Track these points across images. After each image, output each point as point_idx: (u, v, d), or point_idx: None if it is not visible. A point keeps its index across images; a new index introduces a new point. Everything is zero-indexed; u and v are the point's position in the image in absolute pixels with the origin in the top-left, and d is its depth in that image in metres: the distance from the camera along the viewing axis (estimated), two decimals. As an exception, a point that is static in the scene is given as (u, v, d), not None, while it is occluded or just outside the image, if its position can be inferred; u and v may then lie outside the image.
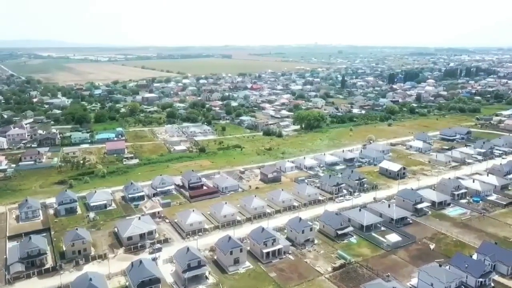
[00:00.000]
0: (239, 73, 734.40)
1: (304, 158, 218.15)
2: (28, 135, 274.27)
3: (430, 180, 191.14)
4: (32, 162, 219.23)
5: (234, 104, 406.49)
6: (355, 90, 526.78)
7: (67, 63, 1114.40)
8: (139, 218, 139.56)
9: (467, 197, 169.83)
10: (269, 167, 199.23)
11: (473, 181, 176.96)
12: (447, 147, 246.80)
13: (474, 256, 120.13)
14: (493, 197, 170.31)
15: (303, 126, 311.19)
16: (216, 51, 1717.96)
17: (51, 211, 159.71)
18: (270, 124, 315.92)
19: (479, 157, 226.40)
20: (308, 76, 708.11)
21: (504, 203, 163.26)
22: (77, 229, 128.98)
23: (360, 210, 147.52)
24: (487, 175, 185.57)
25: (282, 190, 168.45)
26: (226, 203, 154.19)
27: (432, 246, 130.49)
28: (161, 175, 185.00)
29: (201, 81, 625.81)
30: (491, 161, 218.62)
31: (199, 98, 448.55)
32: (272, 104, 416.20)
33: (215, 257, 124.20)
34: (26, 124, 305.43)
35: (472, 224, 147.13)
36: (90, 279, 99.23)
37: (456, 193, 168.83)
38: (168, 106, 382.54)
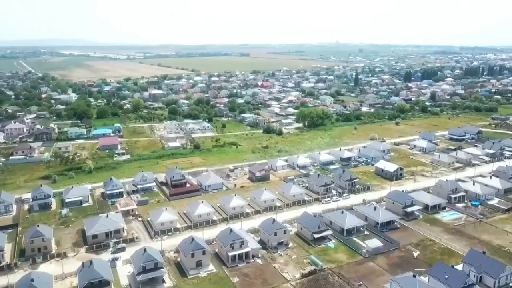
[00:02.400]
0: (252, 70, 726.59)
1: (298, 156, 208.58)
2: (26, 130, 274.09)
3: (429, 181, 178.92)
4: (23, 157, 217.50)
5: (240, 101, 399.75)
6: (368, 88, 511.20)
7: (86, 60, 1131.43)
8: (107, 216, 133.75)
9: (466, 201, 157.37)
10: (257, 166, 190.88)
11: (473, 184, 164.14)
12: (453, 147, 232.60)
13: (460, 266, 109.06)
14: (494, 201, 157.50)
15: (306, 124, 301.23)
16: (235, 50, 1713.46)
17: (27, 206, 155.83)
18: (272, 121, 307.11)
19: (487, 158, 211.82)
20: (323, 74, 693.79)
21: (505, 208, 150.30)
22: (38, 225, 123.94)
23: (342, 212, 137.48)
24: (490, 178, 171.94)
25: (265, 189, 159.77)
26: (202, 202, 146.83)
27: (415, 254, 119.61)
28: (142, 171, 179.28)
29: (213, 78, 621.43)
30: (500, 162, 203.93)
31: (206, 95, 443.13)
32: (279, 102, 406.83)
33: (179, 259, 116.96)
34: (27, 119, 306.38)
35: (465, 230, 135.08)
36: (32, 280, 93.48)
37: (453, 196, 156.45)
38: (172, 102, 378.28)
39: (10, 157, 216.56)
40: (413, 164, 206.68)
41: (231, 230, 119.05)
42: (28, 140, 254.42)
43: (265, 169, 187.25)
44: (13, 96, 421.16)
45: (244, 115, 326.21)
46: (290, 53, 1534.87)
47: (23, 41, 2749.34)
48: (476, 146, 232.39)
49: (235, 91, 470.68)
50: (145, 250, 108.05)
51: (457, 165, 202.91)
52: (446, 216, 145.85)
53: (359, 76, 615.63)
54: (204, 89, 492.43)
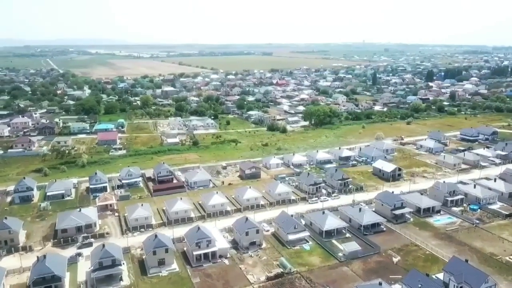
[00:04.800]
0: (271, 69, 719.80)
1: (293, 154, 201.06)
2: (32, 124, 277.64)
3: (428, 183, 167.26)
4: (21, 150, 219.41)
5: (251, 99, 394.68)
6: (385, 87, 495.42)
7: (111, 59, 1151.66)
8: (80, 210, 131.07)
9: (464, 204, 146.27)
10: (248, 163, 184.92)
11: (475, 187, 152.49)
12: (462, 148, 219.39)
13: (440, 275, 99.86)
14: (496, 206, 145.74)
15: (313, 122, 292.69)
16: (258, 49, 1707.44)
17: (9, 199, 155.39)
18: (278, 119, 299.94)
19: (497, 160, 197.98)
20: (343, 73, 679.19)
21: (506, 213, 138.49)
22: (6, 218, 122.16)
23: (323, 213, 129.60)
24: (494, 180, 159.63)
25: (250, 187, 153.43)
26: (181, 198, 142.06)
27: (395, 259, 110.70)
28: (128, 166, 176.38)
29: (229, 76, 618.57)
30: (511, 165, 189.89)
31: (218, 92, 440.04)
32: (290, 100, 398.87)
33: (144, 257, 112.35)
34: (36, 114, 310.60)
35: (457, 236, 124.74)
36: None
37: (450, 199, 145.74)
38: (182, 99, 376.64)
39: (9, 150, 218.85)
40: (415, 165, 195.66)
41: (198, 228, 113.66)
42: (32, 134, 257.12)
43: (256, 167, 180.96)
44: (29, 92, 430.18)
45: (250, 112, 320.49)
46: (314, 52, 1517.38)
47: (54, 40, 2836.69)
48: (488, 147, 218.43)
49: (248, 89, 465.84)
50: (103, 246, 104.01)
51: (464, 166, 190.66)
52: (439, 220, 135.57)
53: (379, 75, 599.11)
54: (218, 87, 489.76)
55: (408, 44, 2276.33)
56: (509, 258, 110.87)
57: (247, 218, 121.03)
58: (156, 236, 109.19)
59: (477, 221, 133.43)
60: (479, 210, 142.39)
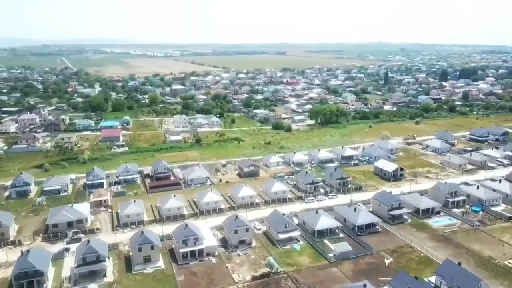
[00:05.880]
0: (282, 68, 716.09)
1: (294, 153, 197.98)
2: (39, 121, 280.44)
3: (431, 183, 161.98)
4: (25, 146, 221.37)
5: (259, 97, 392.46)
6: (397, 86, 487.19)
7: (125, 58, 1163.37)
8: (72, 206, 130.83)
9: (466, 206, 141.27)
10: (246, 161, 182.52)
11: (478, 188, 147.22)
12: (470, 148, 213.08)
13: (432, 278, 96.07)
14: (499, 208, 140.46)
15: (319, 120, 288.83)
16: (272, 49, 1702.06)
17: (7, 193, 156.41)
18: (284, 118, 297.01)
19: (505, 161, 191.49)
20: (355, 72, 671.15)
21: (509, 215, 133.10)
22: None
23: (316, 212, 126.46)
24: (499, 182, 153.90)
25: (245, 185, 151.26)
26: (174, 195, 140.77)
27: (387, 261, 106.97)
28: (126, 163, 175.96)
29: (240, 75, 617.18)
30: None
31: (227, 91, 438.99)
32: (299, 99, 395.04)
33: (131, 253, 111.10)
34: (45, 111, 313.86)
35: (455, 238, 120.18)
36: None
37: (451, 200, 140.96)
38: (189, 98, 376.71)
39: (13, 146, 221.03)
40: (420, 165, 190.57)
41: (186, 225, 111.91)
42: (38, 130, 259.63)
43: (254, 165, 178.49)
44: (41, 90, 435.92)
45: (256, 111, 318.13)
46: (328, 52, 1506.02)
47: (71, 39, 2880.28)
48: (497, 148, 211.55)
49: (258, 88, 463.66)
50: (88, 241, 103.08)
51: (470, 167, 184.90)
52: (438, 221, 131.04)
53: (392, 75, 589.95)
54: (227, 86, 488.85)
55: (424, 44, 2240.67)
56: (508, 262, 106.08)
57: (236, 216, 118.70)
58: (142, 232, 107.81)
59: (478, 223, 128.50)
60: (481, 212, 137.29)
